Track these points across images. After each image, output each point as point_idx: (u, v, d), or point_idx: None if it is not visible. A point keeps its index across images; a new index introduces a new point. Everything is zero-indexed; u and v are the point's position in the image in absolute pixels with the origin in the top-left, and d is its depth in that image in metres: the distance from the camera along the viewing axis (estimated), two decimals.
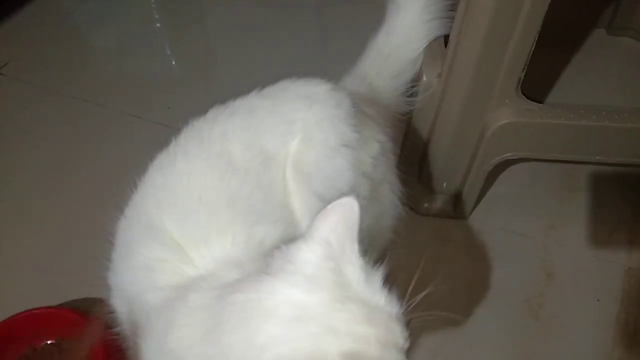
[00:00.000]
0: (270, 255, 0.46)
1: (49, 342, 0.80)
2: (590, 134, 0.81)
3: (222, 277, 0.48)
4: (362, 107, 0.68)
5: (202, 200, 0.53)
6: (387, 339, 0.40)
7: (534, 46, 0.73)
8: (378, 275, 0.44)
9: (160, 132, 1.12)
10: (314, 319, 0.39)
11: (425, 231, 0.94)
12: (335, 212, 0.44)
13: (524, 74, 0.77)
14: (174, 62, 1.40)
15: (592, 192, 0.99)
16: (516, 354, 0.82)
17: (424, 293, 0.45)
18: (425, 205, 0.96)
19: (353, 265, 0.44)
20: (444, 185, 0.93)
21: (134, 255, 0.53)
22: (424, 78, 0.86)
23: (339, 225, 0.43)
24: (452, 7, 0.87)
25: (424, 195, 0.96)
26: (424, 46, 0.87)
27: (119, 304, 0.58)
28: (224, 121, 0.59)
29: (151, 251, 0.51)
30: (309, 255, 0.42)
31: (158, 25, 1.52)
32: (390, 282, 0.47)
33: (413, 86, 0.89)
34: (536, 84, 0.84)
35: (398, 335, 0.41)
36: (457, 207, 0.95)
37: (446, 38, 0.87)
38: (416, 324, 0.44)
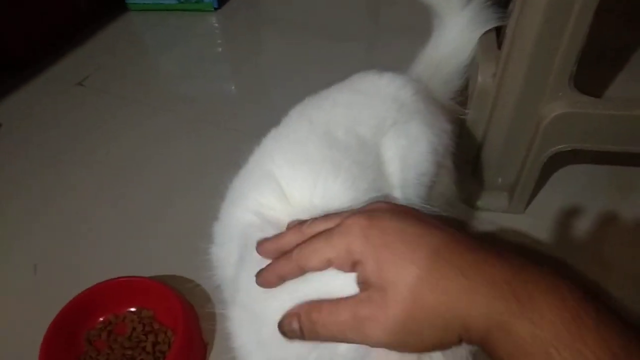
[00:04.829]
0: None
1: (130, 309, 0.86)
2: None
3: None
4: (433, 102, 0.81)
5: (310, 163, 0.60)
6: None
7: (585, 39, 0.79)
8: None
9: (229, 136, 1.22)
10: None
11: (481, 226, 0.99)
12: None
13: (575, 67, 0.82)
14: (233, 87, 1.51)
15: None
16: None
17: None
18: (479, 201, 1.01)
19: None
20: (499, 180, 0.98)
21: (248, 198, 0.60)
22: (479, 79, 0.92)
23: None
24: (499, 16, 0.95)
25: (478, 191, 1.01)
26: (473, 49, 0.95)
27: (219, 251, 0.65)
28: (329, 110, 0.70)
29: (263, 197, 0.58)
30: None
31: (220, 49, 1.64)
32: None
33: (462, 94, 0.96)
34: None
35: None
36: (511, 202, 0.99)
37: (499, 40, 0.95)
38: None
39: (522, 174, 0.94)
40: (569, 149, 0.88)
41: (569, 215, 0.99)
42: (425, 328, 0.36)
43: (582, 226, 0.98)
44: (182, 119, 1.29)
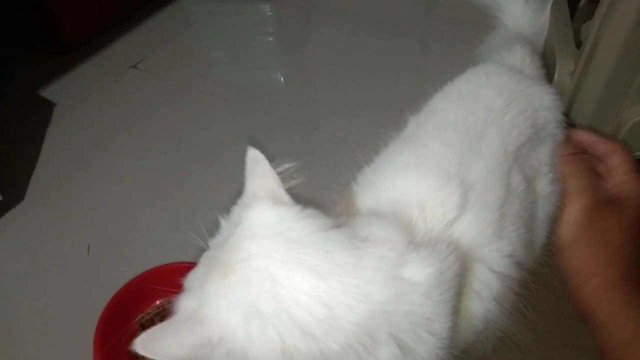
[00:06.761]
0: None
1: None
2: None
3: None
4: None
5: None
6: None
7: None
8: None
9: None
10: None
11: None
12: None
13: None
14: (282, 78, 1.48)
15: None
16: None
17: None
18: None
19: None
20: None
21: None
22: (555, 76, 0.87)
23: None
24: None
25: None
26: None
27: None
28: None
29: None
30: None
31: (271, 39, 1.62)
32: None
33: None
34: None
35: None
36: None
37: (577, 40, 0.90)
38: None
39: None
40: None
41: None
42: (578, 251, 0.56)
43: None
44: (231, 105, 1.28)
